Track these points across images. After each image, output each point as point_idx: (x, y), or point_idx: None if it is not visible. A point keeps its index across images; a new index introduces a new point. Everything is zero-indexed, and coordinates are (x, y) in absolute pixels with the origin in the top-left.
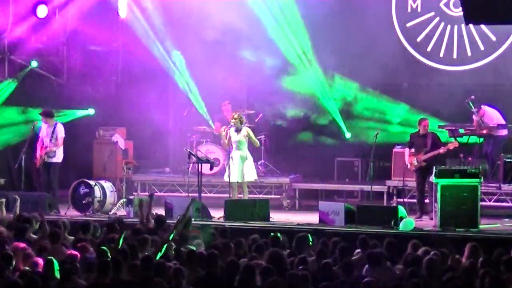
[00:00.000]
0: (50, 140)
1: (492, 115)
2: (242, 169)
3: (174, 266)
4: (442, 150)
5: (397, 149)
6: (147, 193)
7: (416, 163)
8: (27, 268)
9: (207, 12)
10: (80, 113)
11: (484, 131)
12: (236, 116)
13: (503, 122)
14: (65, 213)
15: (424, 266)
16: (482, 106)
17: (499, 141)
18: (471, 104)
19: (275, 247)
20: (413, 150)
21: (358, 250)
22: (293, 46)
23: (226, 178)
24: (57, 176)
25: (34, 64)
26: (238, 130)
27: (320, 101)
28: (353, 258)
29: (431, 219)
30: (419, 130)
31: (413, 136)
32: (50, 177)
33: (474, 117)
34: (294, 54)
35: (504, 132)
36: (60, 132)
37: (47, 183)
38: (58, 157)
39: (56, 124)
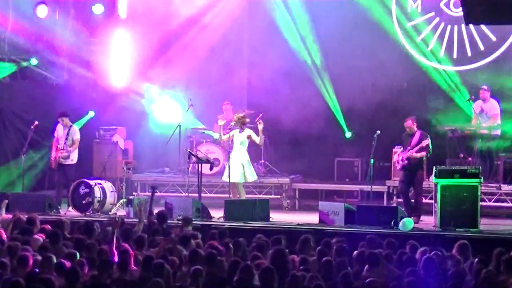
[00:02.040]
0: (65, 142)
1: (494, 106)
2: (244, 169)
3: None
4: (414, 150)
5: (396, 149)
6: (147, 193)
7: (401, 162)
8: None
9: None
10: (83, 120)
11: (481, 131)
12: (239, 116)
13: (499, 120)
14: (65, 213)
15: (422, 266)
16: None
17: (491, 139)
18: (471, 104)
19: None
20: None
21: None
22: (300, 47)
23: (225, 178)
24: (73, 176)
25: (34, 62)
26: (242, 130)
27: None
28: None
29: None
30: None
31: (404, 135)
32: (67, 178)
33: (480, 97)
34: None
35: (497, 132)
36: (76, 134)
37: (62, 183)
38: (72, 158)
39: (71, 126)
